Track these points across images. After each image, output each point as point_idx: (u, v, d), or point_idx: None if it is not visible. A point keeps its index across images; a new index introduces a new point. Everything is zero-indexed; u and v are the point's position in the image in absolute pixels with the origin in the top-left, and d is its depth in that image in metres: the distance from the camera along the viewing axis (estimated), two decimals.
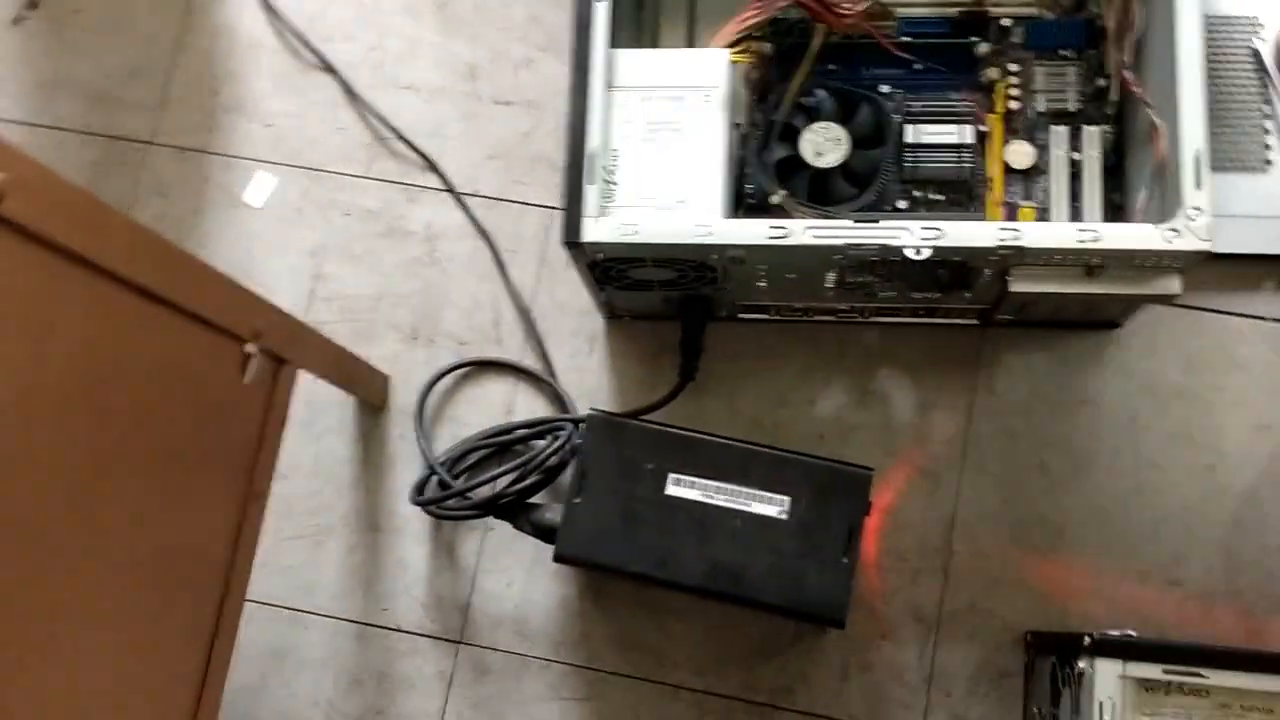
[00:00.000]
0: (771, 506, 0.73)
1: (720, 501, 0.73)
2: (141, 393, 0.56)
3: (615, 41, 0.73)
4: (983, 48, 0.82)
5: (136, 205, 0.91)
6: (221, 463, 0.66)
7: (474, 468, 0.85)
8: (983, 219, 0.81)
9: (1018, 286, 0.70)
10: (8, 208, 0.43)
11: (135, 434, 0.55)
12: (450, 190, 0.90)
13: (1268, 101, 0.82)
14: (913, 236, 0.67)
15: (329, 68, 0.92)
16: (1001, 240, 0.66)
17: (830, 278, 0.74)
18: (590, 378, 0.87)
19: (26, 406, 0.47)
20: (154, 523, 0.59)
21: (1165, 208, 0.69)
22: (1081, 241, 0.66)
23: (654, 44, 0.86)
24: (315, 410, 0.87)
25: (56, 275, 0.47)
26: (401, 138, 0.90)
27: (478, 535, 0.85)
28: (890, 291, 0.76)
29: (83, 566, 0.53)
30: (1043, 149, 0.81)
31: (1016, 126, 0.82)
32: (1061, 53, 0.82)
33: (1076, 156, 0.80)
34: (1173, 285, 0.68)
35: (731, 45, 0.76)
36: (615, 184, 0.72)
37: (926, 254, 0.67)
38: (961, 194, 0.82)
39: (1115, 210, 0.79)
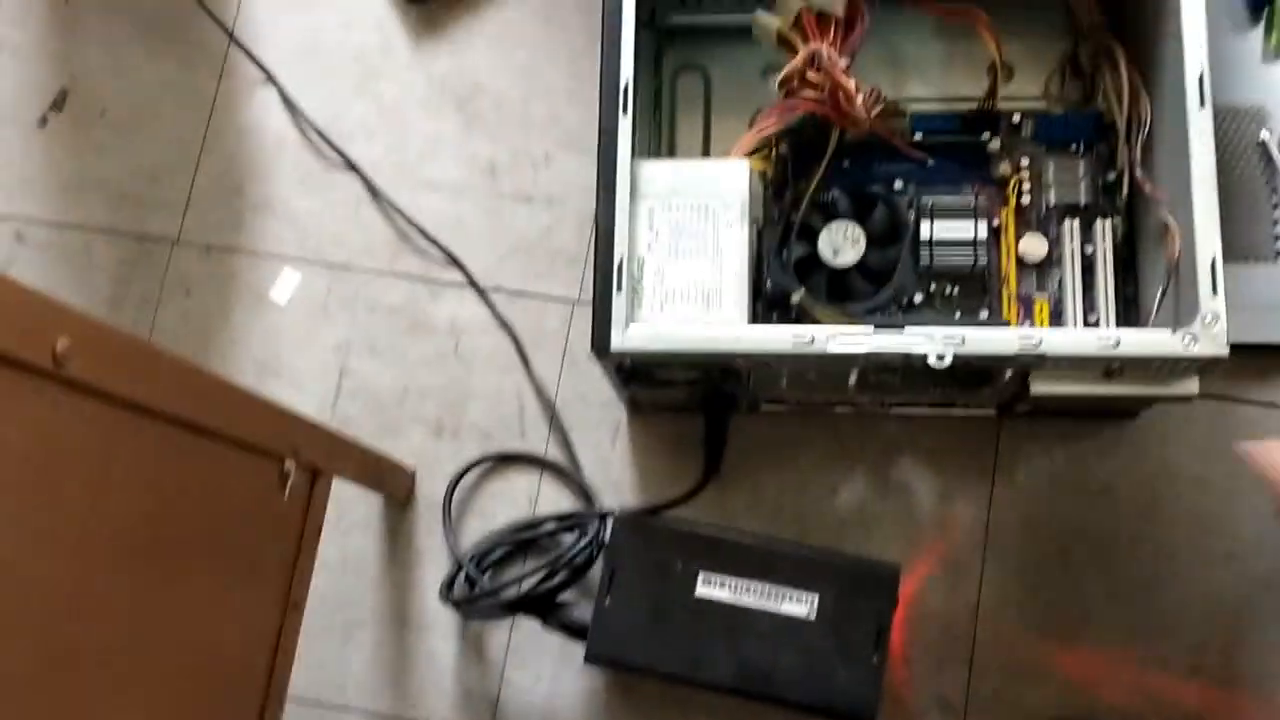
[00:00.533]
0: (800, 605, 0.74)
1: (749, 601, 0.74)
2: (188, 518, 0.57)
3: (637, 149, 0.75)
4: (994, 144, 0.84)
5: (163, 304, 0.93)
6: (262, 575, 0.67)
7: (501, 562, 0.86)
8: (999, 312, 0.82)
9: (1039, 389, 0.71)
10: (71, 369, 0.44)
11: (182, 557, 0.57)
12: (473, 285, 0.91)
13: (1275, 191, 0.84)
14: (935, 344, 0.68)
15: (352, 166, 0.93)
16: (1023, 348, 0.68)
17: (853, 377, 0.76)
18: (614, 470, 0.88)
19: (85, 547, 0.48)
20: (198, 639, 0.60)
21: (1181, 309, 0.70)
22: (1102, 348, 0.67)
23: (672, 145, 0.88)
24: (342, 507, 0.88)
25: (113, 423, 0.49)
26: (424, 234, 0.92)
27: (506, 630, 0.86)
28: (912, 389, 0.78)
29: (132, 685, 0.54)
30: (1055, 242, 0.83)
31: (1029, 220, 0.84)
32: (1071, 147, 0.84)
33: (1089, 250, 0.82)
34: (1190, 386, 0.70)
35: (751, 153, 0.78)
36: (642, 291, 0.74)
37: (948, 361, 0.68)
38: (977, 287, 0.83)
39: (1128, 303, 0.81)
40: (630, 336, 0.71)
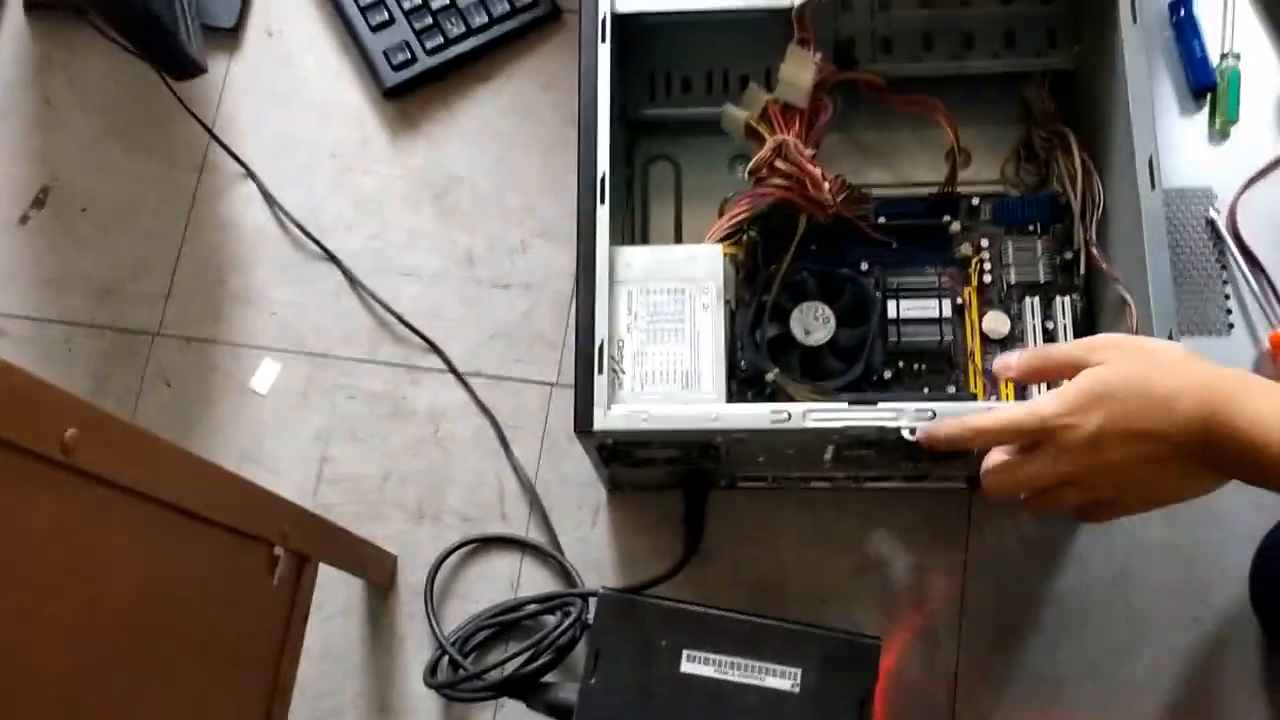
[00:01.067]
0: (784, 680, 0.75)
1: (734, 676, 0.75)
2: (182, 602, 0.58)
3: (614, 237, 0.78)
4: (955, 226, 0.87)
5: (144, 395, 0.94)
6: (250, 659, 0.67)
7: (484, 645, 0.86)
8: (966, 387, 0.85)
9: None
10: (78, 459, 0.45)
11: (175, 642, 0.57)
12: (452, 371, 0.93)
13: (1224, 267, 0.88)
14: (907, 418, 0.71)
15: (331, 257, 0.95)
16: None
17: (829, 452, 0.78)
18: (595, 550, 0.89)
19: (83, 633, 0.49)
20: None
21: None
22: None
23: (645, 231, 0.91)
24: (324, 593, 0.88)
25: (115, 509, 0.50)
26: (403, 322, 0.94)
27: (491, 712, 0.86)
28: (885, 463, 0.80)
29: None
30: (1017, 318, 0.86)
31: (991, 298, 0.87)
32: (1029, 228, 0.87)
33: (1050, 325, 0.85)
34: None
35: (723, 239, 0.81)
36: (623, 373, 0.76)
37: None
38: (943, 363, 0.86)
39: None
40: (612, 417, 0.73)
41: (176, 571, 0.56)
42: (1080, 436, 0.62)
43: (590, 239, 0.76)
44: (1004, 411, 0.66)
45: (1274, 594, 0.82)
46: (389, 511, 0.91)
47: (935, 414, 0.71)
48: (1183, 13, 0.92)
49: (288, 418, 0.93)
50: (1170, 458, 0.61)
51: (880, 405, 0.72)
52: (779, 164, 0.81)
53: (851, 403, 0.72)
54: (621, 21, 0.81)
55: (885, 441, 0.73)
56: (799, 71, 0.80)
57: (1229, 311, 0.87)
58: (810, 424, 0.72)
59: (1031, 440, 0.65)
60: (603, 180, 0.77)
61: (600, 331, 0.75)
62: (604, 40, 0.78)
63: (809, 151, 0.81)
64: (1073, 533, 0.86)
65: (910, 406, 0.71)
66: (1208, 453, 0.60)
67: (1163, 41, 0.93)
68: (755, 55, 0.88)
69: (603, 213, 0.76)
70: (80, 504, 0.47)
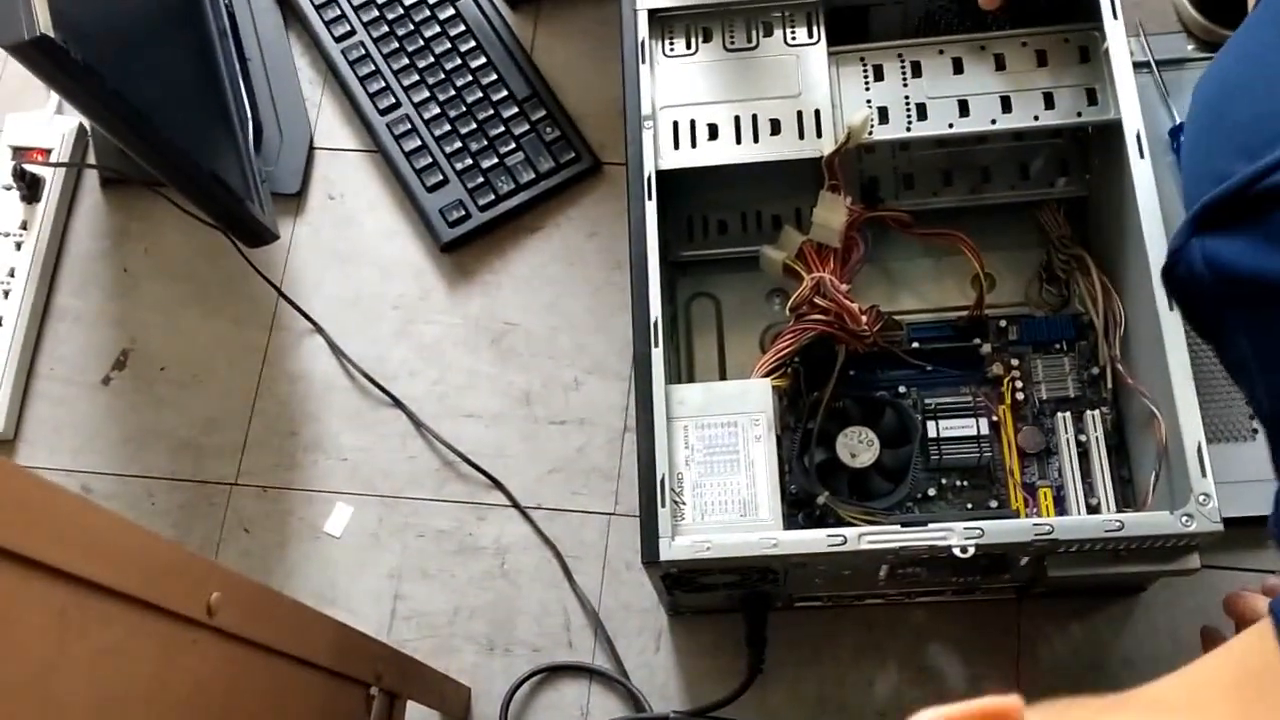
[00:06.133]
0: None
1: None
2: None
3: (667, 375, 0.83)
4: (985, 347, 0.93)
5: (224, 543, 0.99)
6: None
7: None
8: (1007, 501, 0.89)
9: (1055, 571, 0.77)
10: (220, 619, 0.50)
11: None
12: (515, 505, 0.98)
13: None
14: (958, 537, 0.75)
15: (397, 403, 1.01)
16: (1036, 535, 0.75)
17: (883, 571, 0.82)
18: (660, 674, 0.93)
19: None
20: None
21: (1175, 491, 0.77)
22: (1108, 531, 0.74)
23: (691, 365, 0.96)
24: None
25: (244, 663, 0.54)
26: (467, 461, 0.99)
27: None
28: (936, 579, 0.84)
29: None
30: (1051, 433, 0.90)
31: (1025, 414, 0.91)
32: (1056, 346, 0.92)
33: (1083, 438, 0.89)
34: (1192, 561, 0.76)
35: (769, 373, 0.86)
36: (684, 504, 0.80)
37: (971, 552, 0.75)
38: (984, 478, 0.90)
39: (1124, 484, 0.88)
40: (677, 548, 0.78)
41: (291, 711, 0.61)
42: None
43: (647, 380, 0.81)
44: None
45: None
46: (461, 644, 0.95)
47: (984, 532, 0.75)
48: (1184, 138, 0.98)
49: (361, 558, 0.97)
50: None
51: (931, 526, 0.76)
52: (818, 300, 0.87)
53: (903, 524, 0.77)
54: (662, 175, 0.87)
55: (938, 559, 0.77)
56: (831, 215, 0.87)
57: (1253, 417, 0.91)
58: (865, 546, 0.76)
59: None
60: (655, 324, 0.82)
61: (661, 466, 0.80)
62: (650, 198, 0.85)
63: (844, 287, 0.87)
64: (1118, 639, 0.90)
65: (959, 526, 0.76)
66: None
67: (1166, 165, 0.99)
68: (786, 197, 0.95)
69: (657, 355, 0.82)
70: (216, 660, 0.52)
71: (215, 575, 0.50)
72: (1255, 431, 0.91)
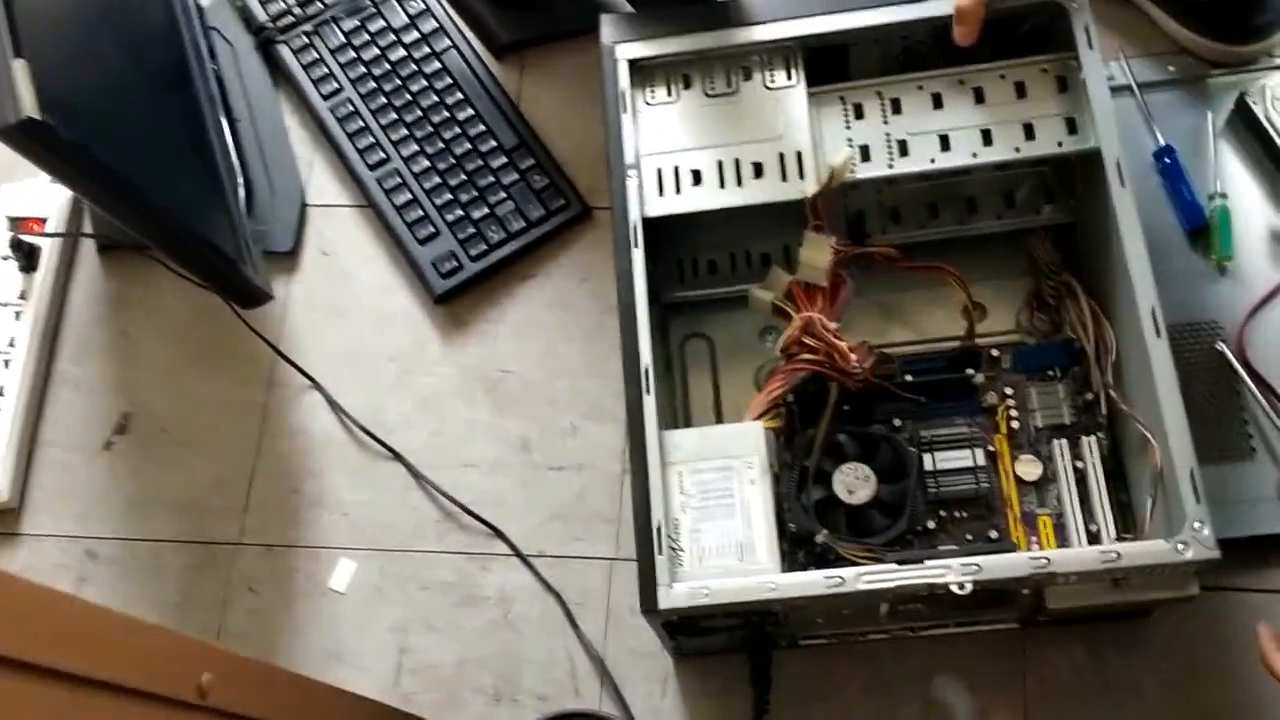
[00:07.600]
0: None
1: None
2: None
3: (660, 420, 0.83)
4: (978, 377, 0.92)
5: (230, 602, 0.99)
6: None
7: None
8: (1006, 531, 0.89)
9: (1054, 603, 0.78)
10: (213, 700, 0.51)
11: None
12: (517, 554, 0.98)
13: (1239, 394, 0.93)
14: (955, 574, 0.75)
15: (396, 455, 1.02)
16: (1033, 569, 0.75)
17: (883, 609, 0.82)
18: (667, 719, 0.93)
19: None
20: None
21: (1171, 517, 0.77)
22: (1105, 562, 0.74)
23: (686, 406, 0.96)
24: None
25: None
26: (468, 511, 0.99)
27: None
28: (937, 613, 0.84)
29: None
30: (1048, 460, 0.90)
31: (1020, 443, 0.91)
32: (1049, 373, 0.92)
33: (1080, 465, 0.89)
34: (1192, 587, 0.76)
35: (762, 415, 0.86)
36: (681, 550, 0.81)
37: (969, 588, 0.75)
38: (982, 508, 0.90)
39: (1124, 508, 0.88)
40: (675, 595, 0.78)
41: None
42: None
43: (639, 427, 0.82)
44: None
45: None
46: (468, 696, 0.95)
47: (981, 567, 0.75)
48: (1168, 160, 0.99)
49: (366, 613, 0.98)
50: None
51: (928, 564, 0.76)
52: (807, 339, 0.87)
53: (900, 562, 0.77)
54: (649, 221, 0.88)
55: (937, 596, 0.77)
56: (817, 254, 0.87)
57: (1250, 436, 0.91)
58: (863, 586, 0.76)
59: None
60: (646, 372, 0.83)
61: (656, 514, 0.80)
62: (636, 245, 0.85)
63: (834, 325, 0.87)
64: (1126, 665, 0.89)
65: (956, 563, 0.76)
66: None
67: (1152, 187, 0.99)
68: (775, 235, 0.95)
69: (649, 402, 0.82)
70: None
71: (206, 656, 0.50)
72: (1253, 450, 0.91)
